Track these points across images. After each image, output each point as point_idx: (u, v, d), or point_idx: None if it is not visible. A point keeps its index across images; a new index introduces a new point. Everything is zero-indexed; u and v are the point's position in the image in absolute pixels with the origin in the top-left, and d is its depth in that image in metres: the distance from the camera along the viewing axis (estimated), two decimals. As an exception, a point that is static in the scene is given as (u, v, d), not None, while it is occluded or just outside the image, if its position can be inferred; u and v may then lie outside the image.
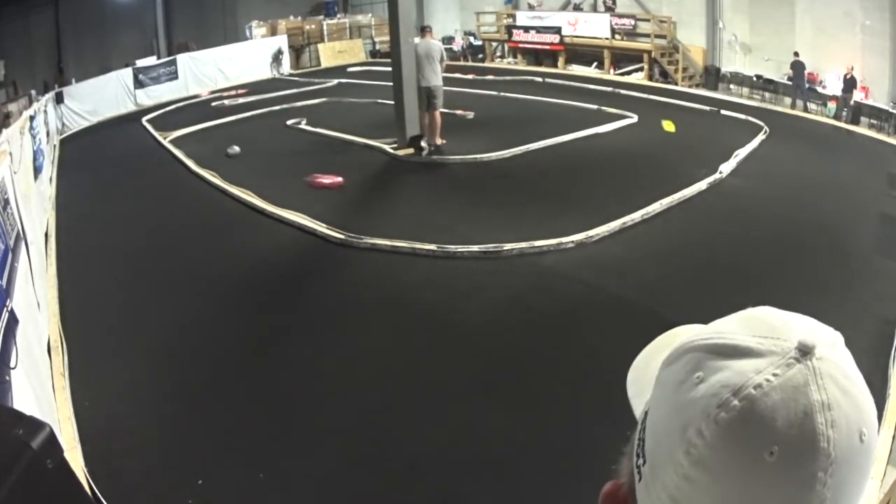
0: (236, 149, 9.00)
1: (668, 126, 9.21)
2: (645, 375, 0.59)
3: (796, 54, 11.44)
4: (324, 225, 6.04)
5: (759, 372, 0.44)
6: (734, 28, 13.39)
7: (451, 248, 5.44)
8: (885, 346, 3.92)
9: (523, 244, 5.43)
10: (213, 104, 13.18)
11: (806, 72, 11.49)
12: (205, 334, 4.49)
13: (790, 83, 11.84)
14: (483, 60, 17.91)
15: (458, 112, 10.12)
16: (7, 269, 3.20)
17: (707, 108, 10.92)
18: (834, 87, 11.27)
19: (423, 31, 8.50)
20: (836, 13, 11.35)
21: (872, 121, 10.40)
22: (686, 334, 0.60)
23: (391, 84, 8.62)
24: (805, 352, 0.44)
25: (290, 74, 16.96)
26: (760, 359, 0.45)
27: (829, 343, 0.47)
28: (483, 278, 5.07)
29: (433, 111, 8.23)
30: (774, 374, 0.44)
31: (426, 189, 7.43)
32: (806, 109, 11.52)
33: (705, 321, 0.53)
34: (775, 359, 0.45)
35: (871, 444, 0.45)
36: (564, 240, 5.49)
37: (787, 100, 12.13)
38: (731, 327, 0.49)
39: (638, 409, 0.57)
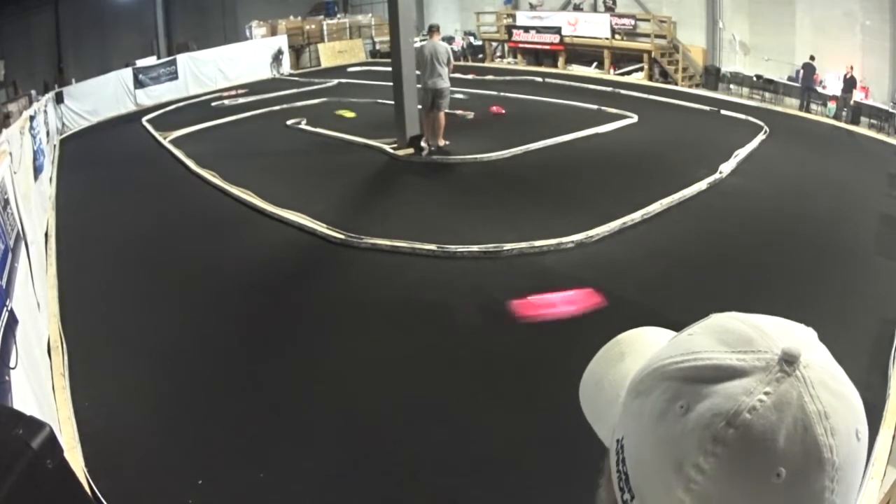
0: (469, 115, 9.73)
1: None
2: (600, 395, 0.56)
3: (812, 58, 11.42)
4: (324, 225, 6.04)
5: (750, 393, 0.42)
6: (734, 28, 13.39)
7: (452, 248, 5.44)
8: (885, 346, 3.92)
9: (523, 244, 5.43)
10: (213, 104, 13.19)
11: (814, 75, 11.49)
12: (204, 334, 4.49)
13: (797, 84, 11.83)
14: (483, 60, 17.91)
15: (458, 112, 10.12)
16: (7, 269, 3.20)
17: (707, 108, 10.92)
18: (834, 87, 11.27)
19: (431, 30, 8.34)
20: (836, 13, 11.35)
21: (872, 121, 10.40)
22: (633, 344, 0.58)
23: (391, 84, 8.62)
24: (791, 361, 0.43)
25: (290, 74, 16.96)
26: (747, 378, 0.43)
27: (809, 344, 0.45)
28: (483, 278, 5.07)
29: (437, 112, 8.21)
30: (766, 393, 0.42)
31: (426, 189, 7.43)
32: (808, 109, 11.52)
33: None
34: (762, 375, 0.43)
35: (865, 439, 0.44)
36: (564, 240, 5.49)
37: (788, 100, 12.13)
38: (704, 344, 0.46)
39: (603, 435, 0.54)
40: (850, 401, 0.44)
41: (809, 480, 0.41)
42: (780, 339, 0.44)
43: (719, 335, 0.46)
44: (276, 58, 17.11)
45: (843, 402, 0.43)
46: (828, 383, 0.43)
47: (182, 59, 15.42)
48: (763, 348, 0.44)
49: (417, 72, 8.15)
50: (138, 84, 14.30)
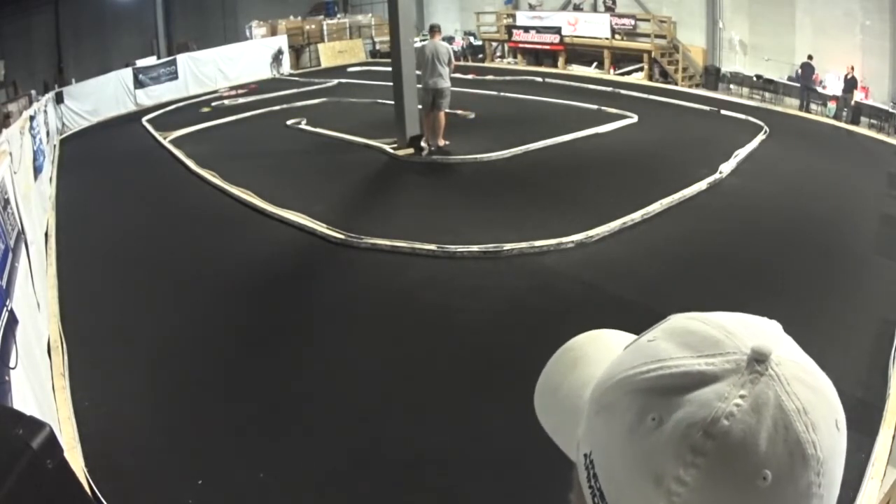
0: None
1: None
2: (557, 406, 0.54)
3: (810, 57, 11.45)
4: (324, 225, 6.04)
5: (724, 398, 0.40)
6: (734, 28, 13.39)
7: (452, 248, 5.44)
8: (885, 346, 3.92)
9: (523, 244, 5.43)
10: (213, 104, 13.19)
11: (813, 75, 11.51)
12: (205, 334, 4.49)
13: (797, 84, 11.84)
14: (483, 60, 17.91)
15: (459, 112, 10.12)
16: (7, 269, 3.20)
17: (707, 108, 10.92)
18: (834, 87, 11.28)
19: (432, 30, 8.33)
20: (836, 13, 11.35)
21: (872, 121, 10.40)
22: (585, 349, 0.56)
23: (391, 84, 8.62)
24: (762, 360, 0.42)
25: (290, 74, 16.96)
26: (719, 382, 0.41)
27: (777, 339, 0.44)
28: (483, 278, 5.07)
29: (437, 112, 8.20)
30: (741, 396, 0.40)
31: (426, 189, 7.43)
32: (808, 109, 11.53)
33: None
34: (735, 378, 0.41)
35: (844, 428, 0.43)
36: (564, 240, 5.49)
37: (787, 100, 12.14)
38: (668, 350, 0.44)
39: (566, 447, 0.52)
40: (825, 393, 0.43)
41: (795, 478, 0.40)
42: (746, 337, 0.43)
43: (683, 339, 0.45)
44: (276, 58, 17.11)
45: (819, 395, 0.42)
46: (802, 378, 0.42)
47: (182, 59, 15.41)
48: (731, 349, 0.43)
49: (418, 72, 8.15)
50: (138, 84, 14.30)
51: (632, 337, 0.53)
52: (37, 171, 6.95)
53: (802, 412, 0.41)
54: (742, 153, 7.85)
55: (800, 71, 11.68)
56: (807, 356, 0.45)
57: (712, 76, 13.61)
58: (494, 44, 18.07)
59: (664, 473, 0.41)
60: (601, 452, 0.46)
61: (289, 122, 10.60)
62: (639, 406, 0.43)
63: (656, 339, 0.46)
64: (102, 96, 13.54)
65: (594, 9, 16.04)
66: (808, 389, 0.42)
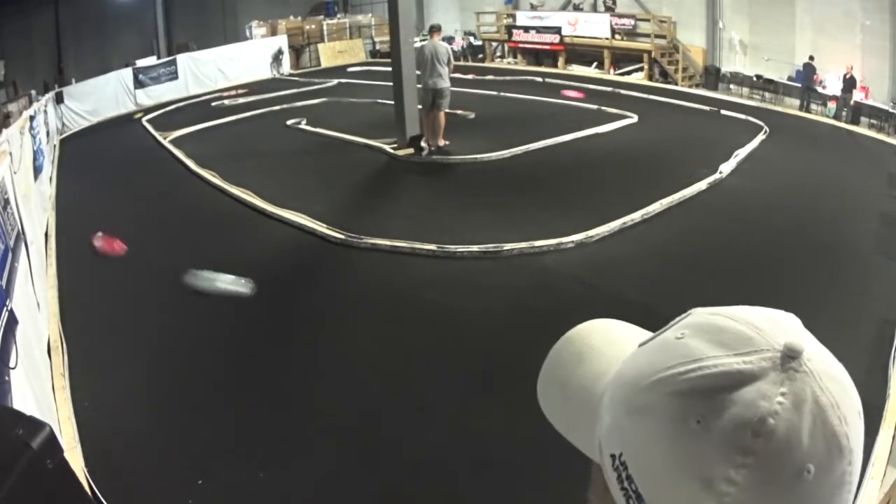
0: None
1: None
2: (569, 403, 0.53)
3: (811, 58, 11.46)
4: (324, 225, 6.04)
5: (767, 397, 0.41)
6: (734, 28, 13.39)
7: (452, 248, 5.44)
8: (885, 346, 3.92)
9: (523, 244, 5.43)
10: (213, 104, 13.19)
11: (814, 76, 11.52)
12: (204, 334, 4.49)
13: (797, 84, 11.84)
14: (483, 60, 17.91)
15: (459, 112, 10.12)
16: (7, 269, 3.20)
17: (707, 108, 10.92)
18: (834, 87, 11.28)
19: (432, 30, 8.33)
20: (836, 13, 11.36)
21: (872, 121, 10.40)
22: (588, 341, 0.56)
23: (391, 84, 8.62)
24: (795, 357, 0.43)
25: (290, 74, 16.96)
26: (759, 381, 0.42)
27: (801, 334, 0.45)
28: (483, 278, 5.07)
29: (437, 112, 8.20)
30: (783, 394, 0.41)
31: (426, 189, 7.43)
32: (808, 109, 11.53)
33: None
34: (774, 376, 0.42)
35: (862, 415, 0.45)
36: (564, 240, 5.49)
37: (788, 100, 12.15)
38: (701, 349, 0.44)
39: (584, 446, 0.51)
40: (848, 385, 0.44)
41: (833, 469, 0.42)
42: (776, 334, 0.44)
43: (714, 337, 0.45)
44: (276, 58, 17.11)
45: (844, 388, 0.44)
46: (830, 372, 0.43)
47: (182, 59, 15.40)
48: (764, 346, 0.43)
49: (417, 72, 8.15)
50: (138, 84, 14.30)
51: (634, 327, 0.52)
52: (37, 171, 6.95)
53: (836, 406, 0.42)
54: (742, 153, 7.85)
55: (801, 71, 11.68)
56: (825, 349, 0.46)
57: (712, 76, 13.62)
58: (494, 44, 18.07)
59: (713, 475, 0.41)
60: (637, 455, 0.45)
61: (289, 122, 10.60)
62: (680, 408, 0.43)
63: (685, 337, 0.46)
64: (102, 96, 13.53)
65: (594, 9, 16.05)
66: (836, 383, 0.43)
